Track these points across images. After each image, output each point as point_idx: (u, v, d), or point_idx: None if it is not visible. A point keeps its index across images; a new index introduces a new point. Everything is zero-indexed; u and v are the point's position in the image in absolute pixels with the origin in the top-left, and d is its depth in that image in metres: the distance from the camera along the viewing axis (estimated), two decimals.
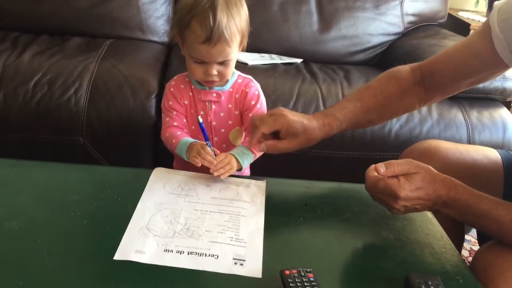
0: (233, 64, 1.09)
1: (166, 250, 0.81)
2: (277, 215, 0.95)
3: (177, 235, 0.86)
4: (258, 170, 1.19)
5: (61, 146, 1.53)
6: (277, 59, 1.91)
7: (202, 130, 1.05)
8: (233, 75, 1.15)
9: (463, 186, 0.90)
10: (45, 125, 1.51)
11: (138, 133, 1.54)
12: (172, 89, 1.16)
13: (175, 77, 1.18)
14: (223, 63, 1.07)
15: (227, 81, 1.15)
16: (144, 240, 0.83)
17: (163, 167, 1.07)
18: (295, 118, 1.03)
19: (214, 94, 1.14)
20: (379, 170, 0.91)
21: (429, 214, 0.99)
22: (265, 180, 1.06)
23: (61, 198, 0.93)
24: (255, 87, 1.17)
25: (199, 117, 1.06)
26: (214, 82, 1.10)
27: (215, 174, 1.01)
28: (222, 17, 1.00)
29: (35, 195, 0.93)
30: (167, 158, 1.26)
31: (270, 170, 1.17)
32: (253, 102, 1.15)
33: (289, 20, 2.00)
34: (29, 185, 0.96)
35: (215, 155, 1.03)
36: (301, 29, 2.01)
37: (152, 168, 1.06)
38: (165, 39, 2.04)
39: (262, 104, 1.17)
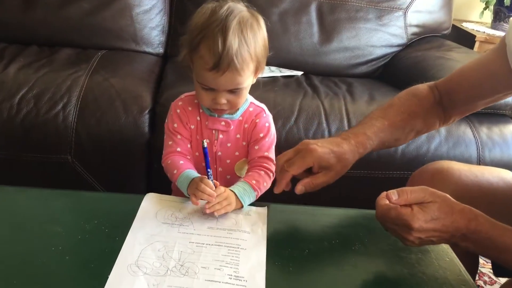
0: (245, 92, 1.00)
1: None
2: (279, 247, 0.87)
3: (170, 273, 0.77)
4: None
5: (48, 165, 1.44)
6: (276, 72, 1.84)
7: (206, 156, 0.94)
8: (246, 101, 1.06)
9: (484, 217, 0.82)
10: (31, 142, 1.42)
11: (131, 150, 1.45)
12: (178, 111, 1.05)
13: (182, 96, 1.08)
14: (234, 92, 0.97)
15: (238, 109, 1.05)
16: (133, 280, 0.75)
17: (157, 186, 0.99)
18: (325, 149, 0.94)
19: (223, 123, 1.04)
20: (390, 197, 0.83)
21: (445, 246, 0.91)
22: (266, 207, 0.98)
23: (42, 229, 0.84)
24: (266, 119, 1.07)
25: (205, 141, 0.94)
26: (224, 110, 1.01)
27: (208, 211, 0.91)
28: (233, 42, 0.91)
29: (13, 226, 0.85)
30: (161, 178, 1.18)
31: (271, 191, 1.09)
32: (261, 135, 1.05)
33: (289, 31, 1.93)
34: (7, 215, 0.88)
35: (215, 187, 0.93)
36: (301, 41, 1.94)
37: (145, 188, 0.99)
38: (160, 50, 1.96)
39: (271, 138, 1.07)
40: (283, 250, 0.87)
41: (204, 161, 0.94)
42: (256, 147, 1.06)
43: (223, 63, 0.91)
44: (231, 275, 0.78)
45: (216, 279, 0.77)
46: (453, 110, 1.09)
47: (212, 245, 0.85)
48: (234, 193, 0.95)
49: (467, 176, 1.08)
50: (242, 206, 0.96)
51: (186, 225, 0.90)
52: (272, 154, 1.07)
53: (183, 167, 1.01)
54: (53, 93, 1.44)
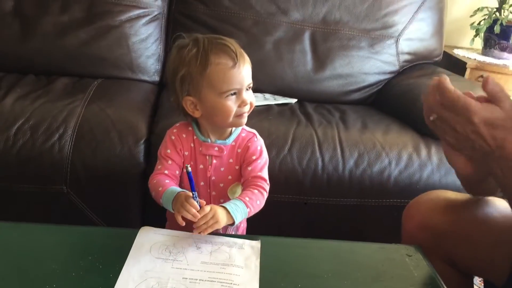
0: None
1: None
2: (273, 282, 0.88)
3: None
4: (253, 219, 1.12)
5: (44, 196, 1.44)
6: (271, 99, 1.86)
7: (190, 180, 0.98)
8: (238, 128, 1.11)
9: None
10: (27, 173, 1.43)
11: (126, 181, 1.46)
12: (173, 137, 1.10)
13: (177, 124, 1.13)
14: (249, 90, 1.05)
15: (230, 134, 1.10)
16: None
17: (153, 216, 1.00)
18: None
19: (216, 148, 1.09)
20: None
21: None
22: (259, 240, 0.98)
23: (36, 267, 0.85)
24: (258, 143, 1.12)
25: (188, 166, 0.99)
26: (246, 113, 1.06)
27: (195, 232, 0.94)
28: (231, 42, 1.02)
29: (6, 264, 0.85)
30: (157, 208, 1.18)
31: (266, 220, 1.10)
32: (254, 157, 1.09)
33: (283, 59, 1.95)
34: (0, 251, 0.88)
35: (200, 207, 0.96)
36: (295, 68, 1.96)
37: (141, 218, 0.99)
38: (156, 78, 1.98)
39: (263, 160, 1.11)
40: (276, 285, 0.87)
41: (190, 185, 0.98)
42: (249, 168, 1.08)
43: (240, 56, 1.01)
44: None
45: None
46: None
47: (205, 280, 0.86)
48: (227, 209, 0.97)
49: (464, 207, 1.09)
50: (233, 222, 0.98)
51: (180, 260, 0.90)
52: (265, 174, 1.09)
53: (168, 185, 1.04)
54: (49, 124, 1.45)
